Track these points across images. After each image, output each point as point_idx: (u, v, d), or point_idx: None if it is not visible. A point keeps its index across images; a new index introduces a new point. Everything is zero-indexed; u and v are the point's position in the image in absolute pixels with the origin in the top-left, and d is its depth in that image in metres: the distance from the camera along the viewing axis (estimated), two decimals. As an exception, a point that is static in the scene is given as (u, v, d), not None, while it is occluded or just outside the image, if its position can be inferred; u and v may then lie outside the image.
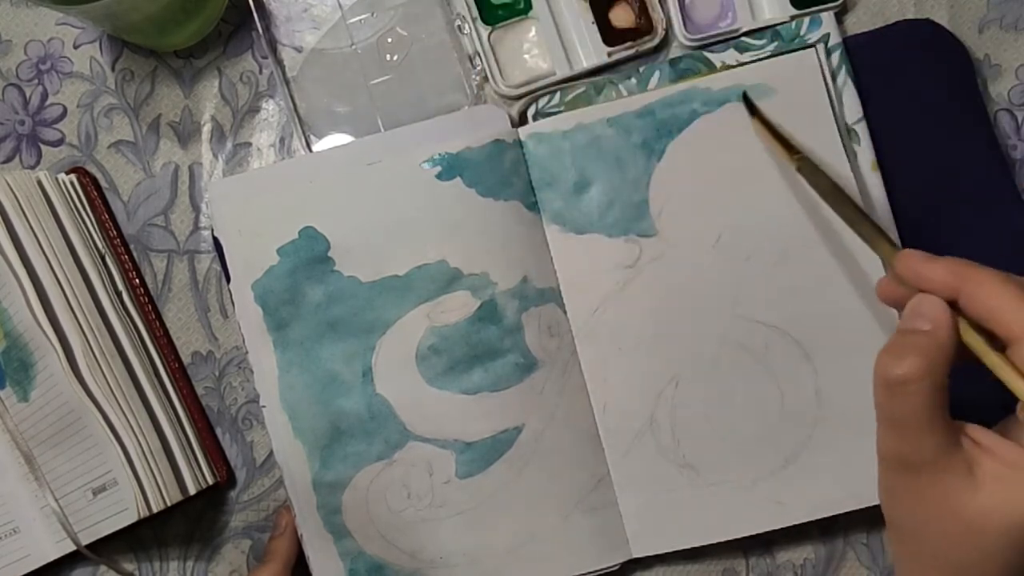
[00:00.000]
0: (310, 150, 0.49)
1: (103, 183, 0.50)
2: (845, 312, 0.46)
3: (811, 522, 0.48)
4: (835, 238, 0.46)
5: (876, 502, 0.45)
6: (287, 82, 0.50)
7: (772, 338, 0.46)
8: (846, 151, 0.47)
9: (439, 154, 0.46)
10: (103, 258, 0.48)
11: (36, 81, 0.50)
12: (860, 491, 0.46)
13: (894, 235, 0.48)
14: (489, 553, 0.47)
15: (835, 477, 0.46)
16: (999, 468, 0.31)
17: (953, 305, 0.32)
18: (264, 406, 0.47)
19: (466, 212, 0.46)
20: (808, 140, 0.46)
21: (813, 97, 0.47)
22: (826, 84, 0.47)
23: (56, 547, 0.48)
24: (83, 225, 0.48)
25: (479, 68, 0.49)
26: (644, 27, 0.49)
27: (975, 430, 0.32)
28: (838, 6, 0.49)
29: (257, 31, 0.50)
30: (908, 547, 0.33)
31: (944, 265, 0.33)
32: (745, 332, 0.46)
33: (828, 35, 0.48)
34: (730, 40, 0.49)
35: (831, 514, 0.46)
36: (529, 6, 0.49)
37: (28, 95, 0.50)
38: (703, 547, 0.47)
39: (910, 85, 0.48)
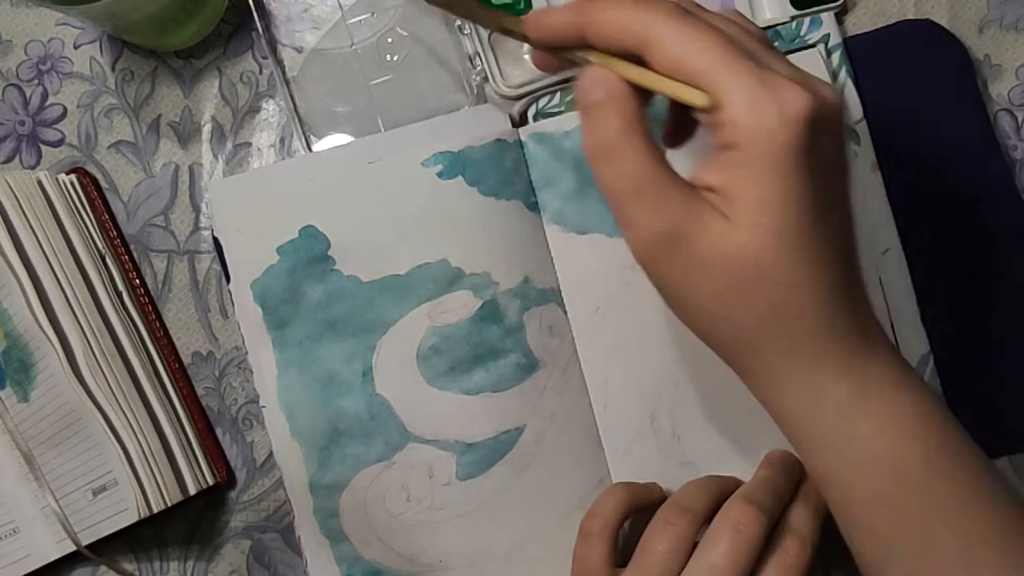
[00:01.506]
0: (310, 150, 0.49)
1: (103, 183, 0.50)
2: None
3: (812, 522, 0.48)
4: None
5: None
6: (287, 82, 0.50)
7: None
8: (848, 151, 0.47)
9: (440, 153, 0.46)
10: (103, 258, 0.48)
11: (36, 81, 0.50)
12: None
13: (893, 235, 0.48)
14: (489, 555, 0.46)
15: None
16: (746, 198, 0.30)
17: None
18: (264, 406, 0.47)
19: (468, 211, 0.46)
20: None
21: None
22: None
23: (56, 547, 0.48)
24: (83, 225, 0.48)
25: (479, 68, 0.49)
26: (644, 27, 0.49)
27: (703, 178, 0.31)
28: (838, 7, 0.49)
29: (257, 31, 0.50)
30: (691, 319, 0.34)
31: (564, 10, 0.32)
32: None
33: (828, 35, 0.48)
34: (730, 40, 0.49)
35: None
36: (529, 6, 0.49)
37: (28, 95, 0.50)
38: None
39: (910, 86, 0.48)
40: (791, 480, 0.43)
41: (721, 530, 0.40)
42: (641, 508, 0.44)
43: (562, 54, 0.33)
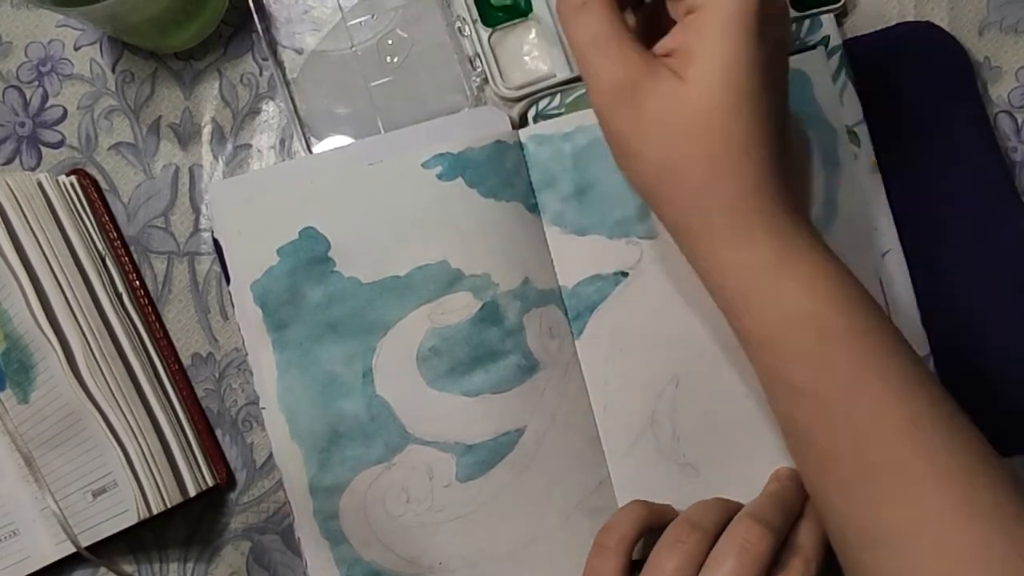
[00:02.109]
0: (310, 152, 0.49)
1: (103, 185, 0.50)
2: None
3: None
4: (833, 238, 0.46)
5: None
6: (287, 84, 0.50)
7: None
8: (848, 152, 0.47)
9: (440, 154, 0.46)
10: (103, 260, 0.48)
11: (36, 83, 0.50)
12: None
13: (893, 236, 0.48)
14: (489, 557, 0.46)
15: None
16: (700, 54, 0.34)
17: None
18: (264, 408, 0.47)
19: (468, 212, 0.46)
20: (809, 142, 0.47)
21: (814, 98, 0.47)
22: (827, 86, 0.47)
23: (56, 549, 0.48)
24: (83, 227, 0.48)
25: (479, 70, 0.49)
26: (644, 29, 0.49)
27: (663, 45, 0.35)
28: (838, 8, 0.49)
29: (257, 33, 0.50)
30: (641, 171, 0.36)
31: None
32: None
33: (828, 37, 0.48)
34: (730, 42, 0.49)
35: None
36: (529, 8, 0.49)
37: (28, 97, 0.50)
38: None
39: (910, 87, 0.49)
40: (799, 496, 0.44)
41: (728, 548, 0.40)
42: (657, 527, 0.44)
43: None
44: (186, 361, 0.49)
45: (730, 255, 0.35)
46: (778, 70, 0.36)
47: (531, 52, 0.49)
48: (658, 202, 0.37)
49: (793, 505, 0.43)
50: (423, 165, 0.46)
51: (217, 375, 0.49)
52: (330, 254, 0.46)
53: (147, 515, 0.44)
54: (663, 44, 0.35)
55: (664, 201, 0.36)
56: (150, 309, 0.49)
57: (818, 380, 0.35)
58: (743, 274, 0.35)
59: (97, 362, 0.45)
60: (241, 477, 0.49)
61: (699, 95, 0.33)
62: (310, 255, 0.46)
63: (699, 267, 0.37)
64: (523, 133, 0.47)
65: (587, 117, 0.47)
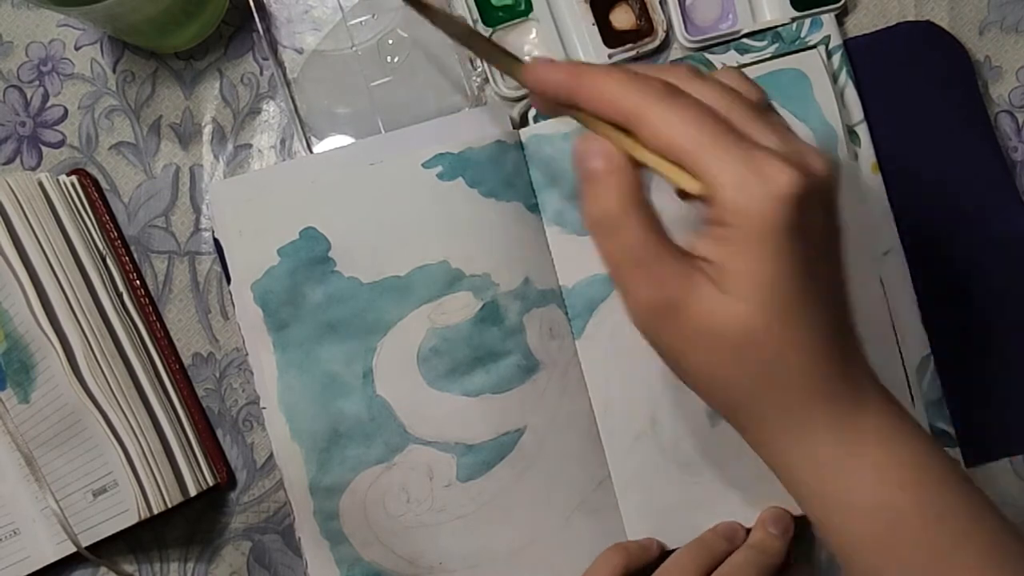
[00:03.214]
0: (311, 151, 0.49)
1: (104, 184, 0.50)
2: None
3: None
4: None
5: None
6: (288, 84, 0.50)
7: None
8: (848, 152, 0.47)
9: (441, 154, 0.46)
10: (104, 259, 0.48)
11: (37, 83, 0.50)
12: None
13: (893, 236, 0.48)
14: (489, 557, 0.46)
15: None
16: (737, 273, 0.31)
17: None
18: (264, 407, 0.47)
19: (468, 212, 0.46)
20: (809, 141, 0.46)
21: (814, 99, 0.47)
22: (828, 86, 0.47)
23: (56, 548, 0.48)
24: (84, 226, 0.48)
25: (479, 70, 0.49)
26: (645, 29, 0.49)
27: (698, 248, 0.32)
28: (839, 8, 0.49)
29: (258, 33, 0.50)
30: (689, 380, 0.35)
31: (561, 68, 0.33)
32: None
33: (829, 37, 0.48)
34: (731, 42, 0.49)
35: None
36: (530, 8, 0.49)
37: (29, 96, 0.50)
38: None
39: (911, 87, 0.48)
40: (785, 544, 0.45)
41: None
42: (637, 569, 0.45)
43: (557, 107, 0.34)
44: (187, 361, 0.49)
45: (790, 454, 0.34)
46: (829, 256, 0.34)
47: (531, 52, 0.49)
48: (712, 404, 0.36)
49: (775, 552, 0.45)
50: (423, 165, 0.46)
51: (217, 375, 0.49)
52: (330, 254, 0.46)
53: (147, 515, 0.44)
54: (697, 248, 0.32)
55: (718, 405, 0.35)
56: (150, 309, 0.49)
57: (888, 567, 0.34)
58: (805, 470, 0.34)
59: (98, 362, 0.45)
60: (241, 477, 0.49)
61: (741, 311, 0.31)
62: (310, 255, 0.46)
63: (759, 453, 0.36)
64: (523, 133, 0.47)
65: None
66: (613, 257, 0.33)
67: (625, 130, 0.32)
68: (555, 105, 0.34)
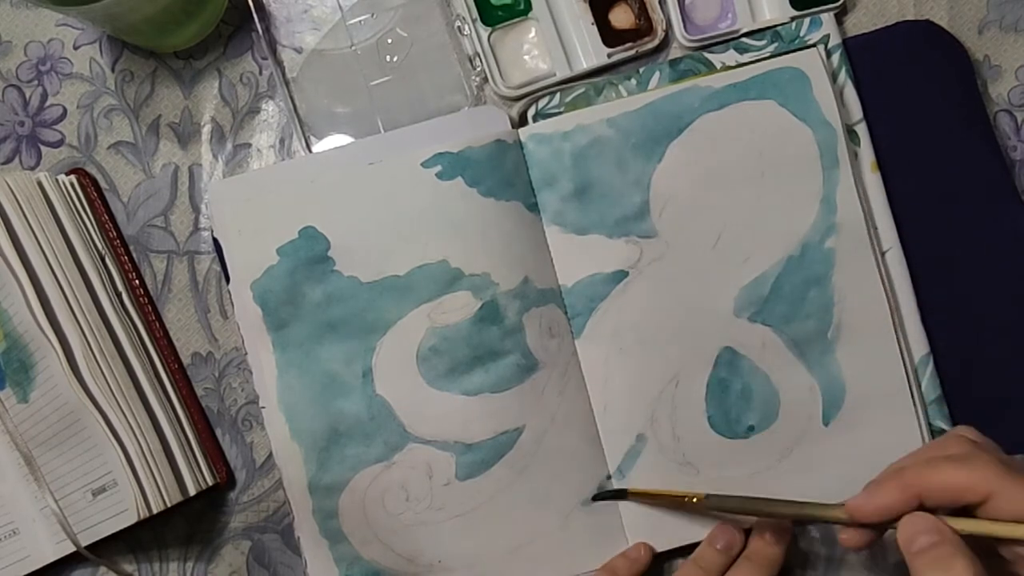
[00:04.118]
0: (310, 151, 0.49)
1: (103, 184, 0.50)
2: (837, 311, 0.46)
3: (812, 523, 0.48)
4: (831, 239, 0.47)
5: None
6: (287, 83, 0.50)
7: (769, 337, 0.46)
8: (847, 151, 0.47)
9: (440, 153, 0.46)
10: (103, 259, 0.48)
11: (36, 82, 0.50)
12: (855, 484, 0.46)
13: (894, 236, 0.47)
14: (488, 555, 0.46)
15: (830, 470, 0.46)
16: None
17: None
18: (264, 407, 0.47)
19: (467, 212, 0.46)
20: (808, 141, 0.47)
21: (814, 98, 0.47)
22: (827, 85, 0.47)
23: (56, 548, 0.48)
24: (83, 226, 0.48)
25: (479, 69, 0.49)
26: (644, 28, 0.49)
27: None
28: (838, 7, 0.49)
29: (257, 32, 0.50)
30: None
31: (889, 488, 0.36)
32: (743, 332, 0.47)
33: (828, 36, 0.48)
34: (730, 41, 0.49)
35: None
36: (529, 7, 0.49)
37: (28, 96, 0.50)
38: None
39: (910, 86, 0.48)
40: (782, 546, 0.45)
41: None
42: None
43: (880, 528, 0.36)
44: (186, 360, 0.49)
45: None
46: None
47: (531, 51, 0.49)
48: None
49: (777, 561, 0.45)
50: (423, 164, 0.46)
51: (217, 374, 0.49)
52: (330, 253, 0.46)
53: (147, 514, 0.44)
54: None
55: None
56: (150, 308, 0.49)
57: None
58: None
59: (97, 361, 0.45)
60: (241, 476, 0.49)
61: None
62: (310, 254, 0.46)
63: None
64: (523, 132, 0.47)
65: (586, 116, 0.47)
66: None
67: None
68: (880, 528, 0.36)
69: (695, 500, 0.43)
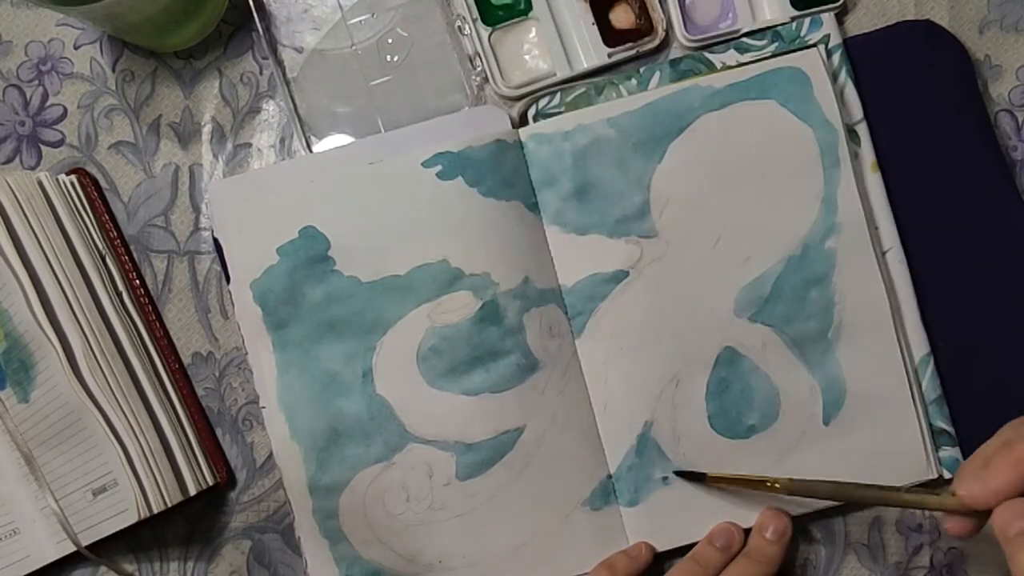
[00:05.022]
0: (310, 151, 0.49)
1: (103, 184, 0.50)
2: (838, 311, 0.46)
3: (811, 522, 0.48)
4: (832, 239, 0.47)
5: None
6: (287, 83, 0.50)
7: (769, 337, 0.46)
8: (848, 151, 0.47)
9: (440, 153, 0.46)
10: (103, 259, 0.48)
11: (36, 82, 0.50)
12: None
13: (894, 236, 0.47)
14: (489, 555, 0.46)
15: (829, 470, 0.46)
16: None
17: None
18: (264, 407, 0.47)
19: (467, 212, 0.46)
20: (809, 141, 0.47)
21: (814, 97, 0.47)
22: (827, 85, 0.47)
23: (56, 548, 0.48)
24: (83, 226, 0.48)
25: (479, 69, 0.49)
26: (644, 28, 0.49)
27: None
28: (838, 7, 0.49)
29: (257, 32, 0.50)
30: None
31: (1003, 469, 0.34)
32: (743, 332, 0.47)
33: (828, 36, 0.48)
34: (730, 41, 0.49)
35: (828, 506, 0.47)
36: (529, 7, 0.49)
37: (28, 96, 0.50)
38: (704, 547, 0.47)
39: (910, 86, 0.48)
40: (782, 544, 0.45)
41: None
42: None
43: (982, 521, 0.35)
44: (186, 360, 0.49)
45: None
46: None
47: (531, 51, 0.49)
48: None
49: (776, 559, 0.45)
50: (423, 164, 0.46)
51: (217, 374, 0.49)
52: (330, 253, 0.46)
53: (147, 514, 0.44)
54: None
55: None
56: (150, 308, 0.49)
57: None
58: None
59: (97, 361, 0.45)
60: (241, 476, 0.49)
61: None
62: (310, 254, 0.46)
63: None
64: (523, 132, 0.47)
65: (587, 116, 0.47)
66: None
67: None
68: (976, 522, 0.35)
69: (777, 485, 0.42)
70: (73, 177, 0.49)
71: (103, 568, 0.49)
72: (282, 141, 0.50)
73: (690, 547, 0.47)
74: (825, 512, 0.48)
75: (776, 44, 0.48)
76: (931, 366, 0.47)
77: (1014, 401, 0.48)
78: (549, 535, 0.46)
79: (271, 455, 0.48)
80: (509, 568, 0.46)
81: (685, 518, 0.47)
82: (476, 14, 0.49)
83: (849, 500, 0.41)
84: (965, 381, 0.47)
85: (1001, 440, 0.36)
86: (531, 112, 0.48)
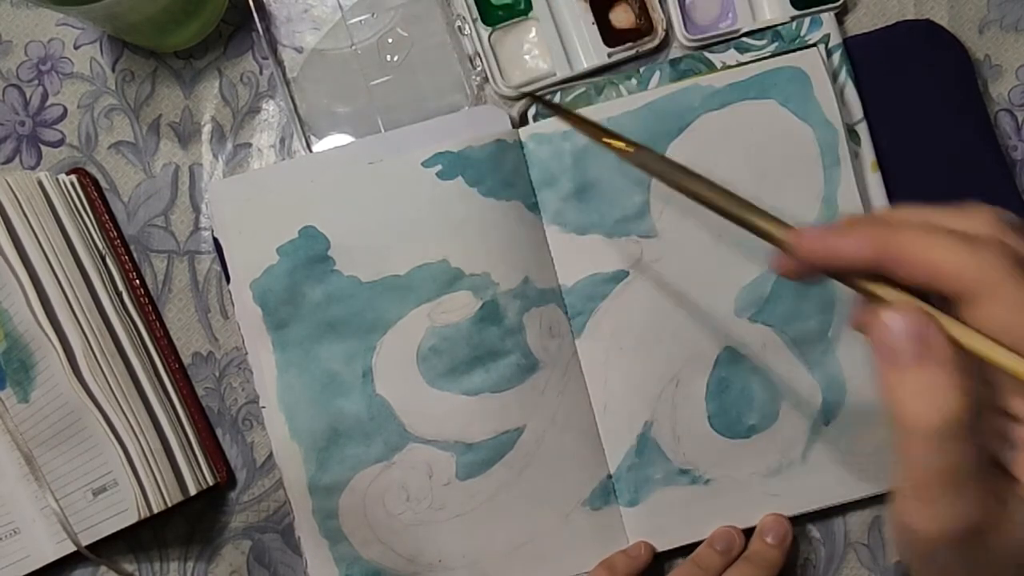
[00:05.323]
0: (310, 151, 0.49)
1: (103, 184, 0.50)
2: (838, 311, 0.46)
3: (811, 522, 0.48)
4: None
5: (870, 494, 0.46)
6: (287, 83, 0.50)
7: (769, 337, 0.47)
8: (848, 151, 0.47)
9: (440, 153, 0.46)
10: (103, 259, 0.48)
11: (36, 82, 0.50)
12: (854, 483, 0.46)
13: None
14: (489, 554, 0.46)
15: (830, 470, 0.46)
16: None
17: (870, 276, 0.28)
18: (264, 407, 0.47)
19: (467, 211, 0.46)
20: (809, 140, 0.47)
21: (814, 97, 0.47)
22: (827, 84, 0.47)
23: (56, 548, 0.48)
24: (83, 226, 0.48)
25: (479, 69, 0.49)
26: (644, 28, 0.49)
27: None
28: (838, 7, 0.49)
29: (257, 32, 0.50)
30: None
31: (856, 236, 0.28)
32: (743, 332, 0.47)
33: (828, 36, 0.48)
34: (730, 40, 0.49)
35: (827, 505, 0.47)
36: (529, 7, 0.49)
37: (28, 96, 0.50)
38: (704, 547, 0.47)
39: (910, 86, 0.48)
40: (782, 548, 0.46)
41: None
42: None
43: (831, 274, 0.29)
44: (186, 360, 0.49)
45: None
46: None
47: (531, 51, 0.49)
48: None
49: (777, 563, 0.45)
50: (423, 164, 0.46)
51: (217, 374, 0.49)
52: (330, 253, 0.46)
53: (147, 514, 0.44)
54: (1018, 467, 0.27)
55: None
56: (150, 308, 0.49)
57: None
58: None
59: (97, 361, 0.45)
60: (241, 476, 0.49)
61: None
62: (310, 254, 0.46)
63: None
64: (523, 132, 0.47)
65: (587, 116, 0.47)
66: (924, 473, 0.26)
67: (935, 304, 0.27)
68: (819, 271, 0.29)
69: (630, 149, 0.35)
70: (73, 177, 0.49)
71: (103, 568, 0.49)
72: (282, 141, 0.50)
73: (690, 547, 0.47)
74: (825, 512, 0.48)
75: (776, 44, 0.48)
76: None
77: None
78: (549, 535, 0.46)
79: (271, 455, 0.48)
80: (509, 568, 0.46)
81: (685, 518, 0.47)
82: (476, 14, 0.49)
83: (684, 192, 0.34)
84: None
85: (914, 215, 0.29)
86: (531, 112, 0.48)
